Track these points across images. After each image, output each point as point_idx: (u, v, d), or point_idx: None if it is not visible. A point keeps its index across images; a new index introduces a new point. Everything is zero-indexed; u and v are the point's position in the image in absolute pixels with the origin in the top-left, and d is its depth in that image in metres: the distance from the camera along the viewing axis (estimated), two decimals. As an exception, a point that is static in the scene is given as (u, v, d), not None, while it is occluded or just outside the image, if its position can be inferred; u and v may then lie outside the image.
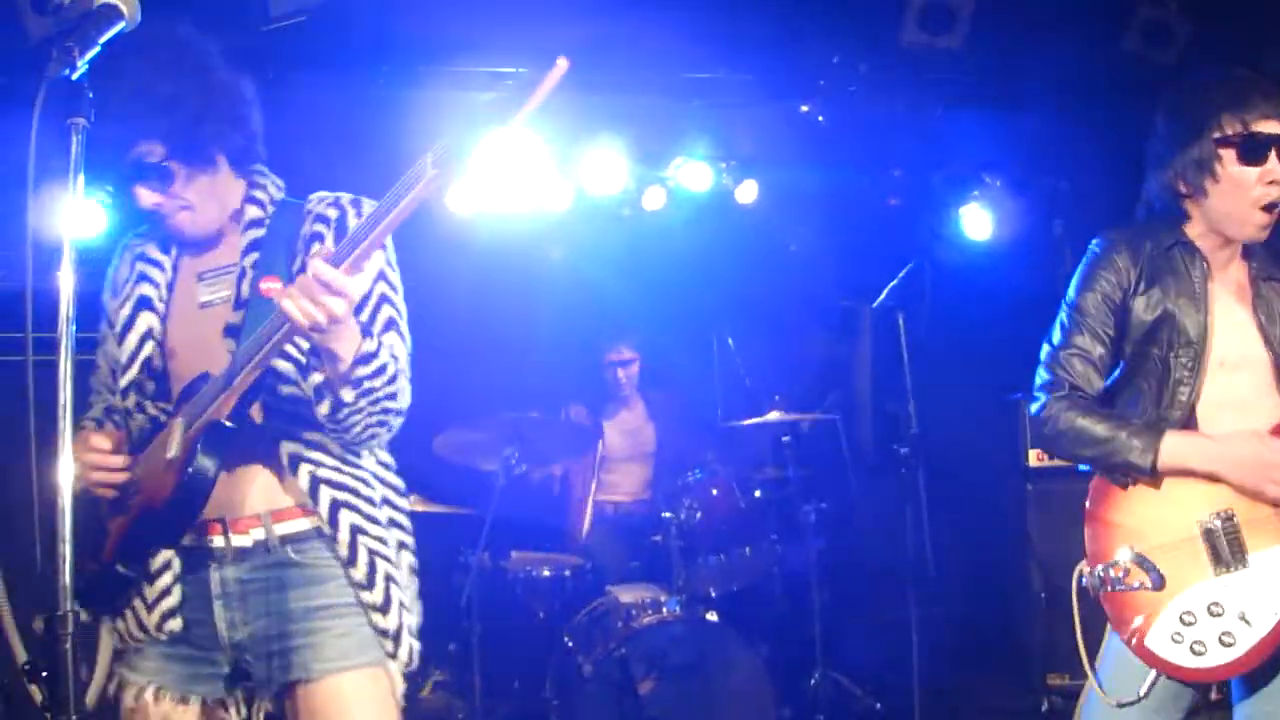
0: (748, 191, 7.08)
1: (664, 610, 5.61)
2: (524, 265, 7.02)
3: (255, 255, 2.69)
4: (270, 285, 2.53)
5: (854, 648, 6.58)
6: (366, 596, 2.61)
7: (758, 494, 6.28)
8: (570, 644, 5.73)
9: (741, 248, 7.55)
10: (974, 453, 6.70)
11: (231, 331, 2.62)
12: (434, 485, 6.09)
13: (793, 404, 6.47)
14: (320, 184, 2.84)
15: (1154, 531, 3.15)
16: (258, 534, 2.61)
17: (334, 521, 2.60)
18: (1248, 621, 3.04)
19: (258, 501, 2.62)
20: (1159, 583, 3.10)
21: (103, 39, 2.06)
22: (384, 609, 2.62)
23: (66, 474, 1.96)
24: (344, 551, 2.60)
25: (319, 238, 2.67)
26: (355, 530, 2.62)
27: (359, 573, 2.61)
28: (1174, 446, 3.10)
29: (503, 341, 7.03)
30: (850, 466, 7.07)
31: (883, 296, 6.61)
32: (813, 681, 6.17)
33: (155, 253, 2.79)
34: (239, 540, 2.60)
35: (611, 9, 5.59)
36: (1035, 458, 6.34)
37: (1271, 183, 3.13)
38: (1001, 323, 6.36)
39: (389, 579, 2.65)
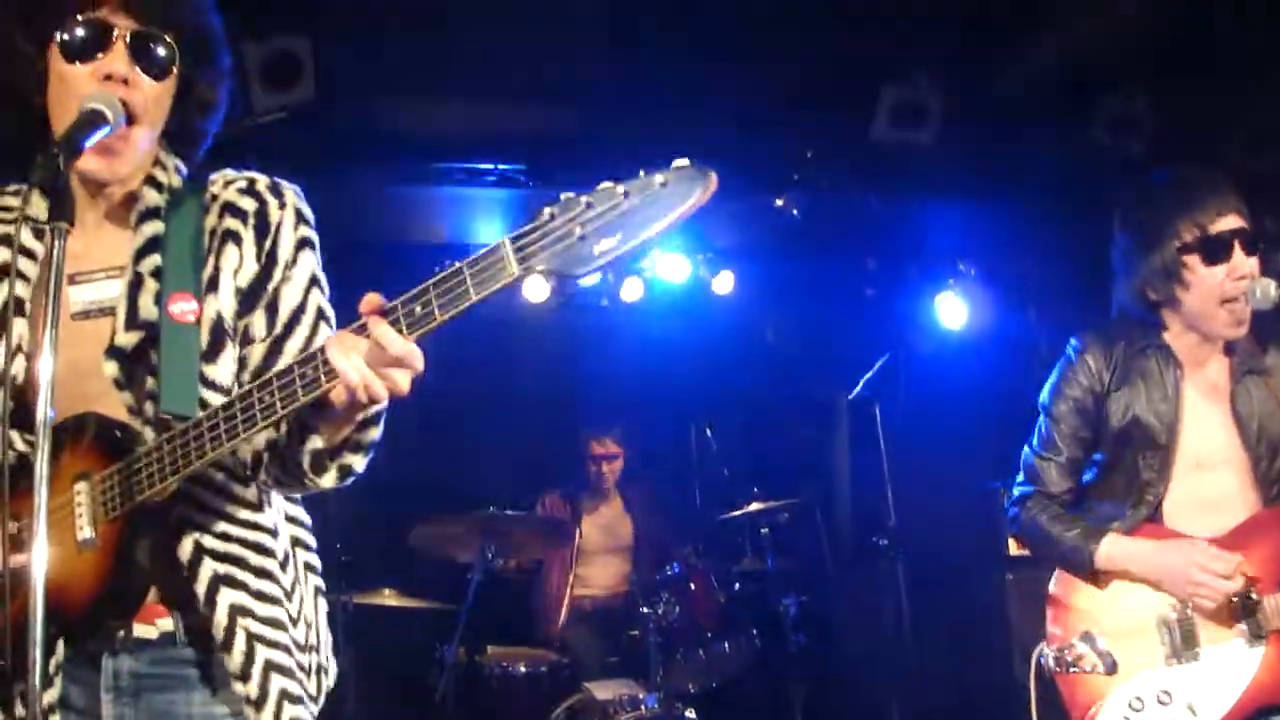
0: (724, 283, 7.13)
1: (642, 707, 5.52)
2: (502, 356, 7.03)
3: (155, 260, 2.20)
4: (184, 308, 2.10)
5: (836, 743, 6.50)
6: (240, 688, 2.17)
7: (736, 587, 6.24)
8: (547, 742, 5.64)
9: (719, 339, 7.59)
10: (953, 542, 6.68)
11: (118, 355, 2.14)
12: (409, 579, 6.03)
13: (771, 495, 6.46)
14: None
15: (1111, 617, 3.21)
16: (165, 625, 2.18)
17: (210, 600, 2.15)
18: (1194, 712, 3.08)
19: (165, 587, 2.18)
20: (1111, 667, 3.16)
21: (89, 144, 1.98)
22: (259, 703, 2.17)
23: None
24: (219, 635, 2.15)
25: (234, 237, 2.24)
26: (235, 611, 2.17)
27: (233, 662, 2.16)
28: (1112, 549, 3.20)
29: (480, 431, 7.02)
30: (829, 558, 7.04)
31: (859, 387, 6.63)
32: (794, 778, 6.08)
33: (28, 238, 2.22)
34: (143, 630, 2.17)
35: (585, 104, 5.68)
36: (1015, 546, 6.31)
37: (1240, 278, 3.18)
38: (978, 411, 6.39)
39: (270, 668, 2.20)
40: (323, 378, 1.92)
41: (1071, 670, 3.19)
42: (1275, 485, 3.24)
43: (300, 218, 2.31)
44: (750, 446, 7.51)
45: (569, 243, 1.75)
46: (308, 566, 2.38)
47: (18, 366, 2.14)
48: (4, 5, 2.17)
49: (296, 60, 5.17)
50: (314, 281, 2.28)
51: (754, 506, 6.35)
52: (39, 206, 2.12)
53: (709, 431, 7.20)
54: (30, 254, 2.22)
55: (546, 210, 1.78)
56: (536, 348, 7.35)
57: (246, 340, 2.24)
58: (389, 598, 5.80)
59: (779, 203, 6.65)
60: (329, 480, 2.16)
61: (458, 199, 6.38)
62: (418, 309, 1.86)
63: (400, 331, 1.86)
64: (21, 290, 2.19)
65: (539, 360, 7.43)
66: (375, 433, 2.13)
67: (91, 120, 2.00)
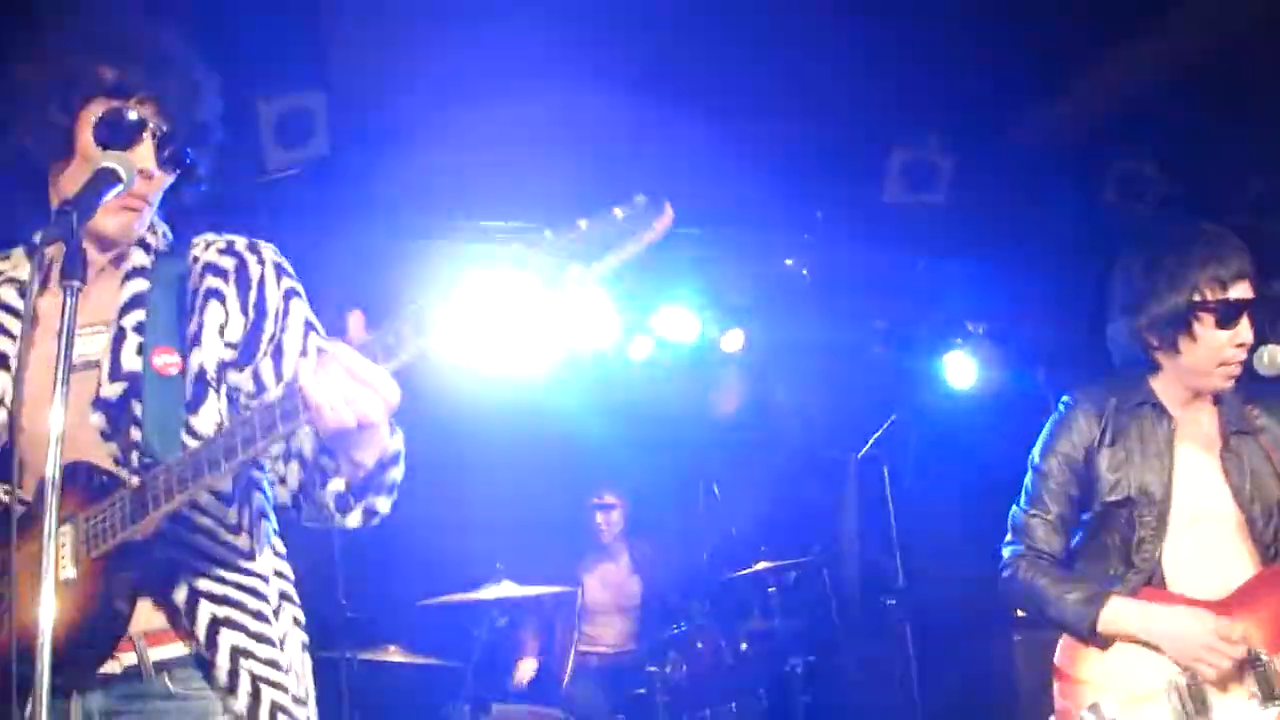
0: (733, 341, 7.14)
1: (649, 767, 5.48)
2: (508, 413, 7.03)
3: (139, 315, 2.30)
4: (166, 361, 2.19)
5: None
6: None
7: (744, 646, 6.20)
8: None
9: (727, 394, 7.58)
10: (961, 603, 6.62)
11: (103, 406, 2.21)
12: (415, 636, 6.00)
13: (779, 554, 6.43)
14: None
15: (1120, 687, 3.16)
16: (129, 659, 2.18)
17: (212, 642, 2.19)
18: None
19: (131, 622, 2.19)
20: None
21: (102, 203, 2.04)
22: None
23: None
24: (223, 679, 2.19)
25: (216, 295, 2.34)
26: (236, 653, 2.21)
27: (239, 703, 2.21)
28: (1115, 613, 3.15)
29: (486, 488, 7.00)
30: (837, 619, 6.99)
31: (868, 446, 6.62)
32: (802, 841, 6.01)
33: (13, 297, 2.34)
34: (108, 666, 2.17)
35: (599, 162, 5.71)
36: (1014, 607, 6.27)
37: (1240, 345, 3.21)
38: (987, 471, 6.35)
39: (277, 709, 2.24)
40: (299, 405, 1.96)
41: None
42: (1273, 545, 3.22)
43: (281, 271, 2.42)
44: (758, 505, 7.48)
45: (537, 272, 1.88)
46: (295, 621, 2.42)
47: (1, 420, 2.22)
48: (40, 75, 2.26)
49: (311, 116, 5.22)
50: (310, 326, 2.38)
51: (761, 566, 6.32)
52: (22, 268, 2.34)
53: (716, 490, 7.18)
54: (14, 311, 2.32)
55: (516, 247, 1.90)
56: (543, 405, 7.34)
57: (260, 388, 2.31)
58: (394, 655, 5.77)
59: (789, 262, 6.68)
60: (355, 520, 2.23)
61: (470, 255, 6.41)
62: (389, 339, 1.93)
63: (375, 360, 1.93)
64: (7, 345, 2.29)
65: (546, 417, 7.42)
66: (396, 473, 2.19)
67: (106, 179, 2.06)
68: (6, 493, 2.20)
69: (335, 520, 2.24)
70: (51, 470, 1.86)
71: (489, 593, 5.73)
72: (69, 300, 1.93)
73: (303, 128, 5.19)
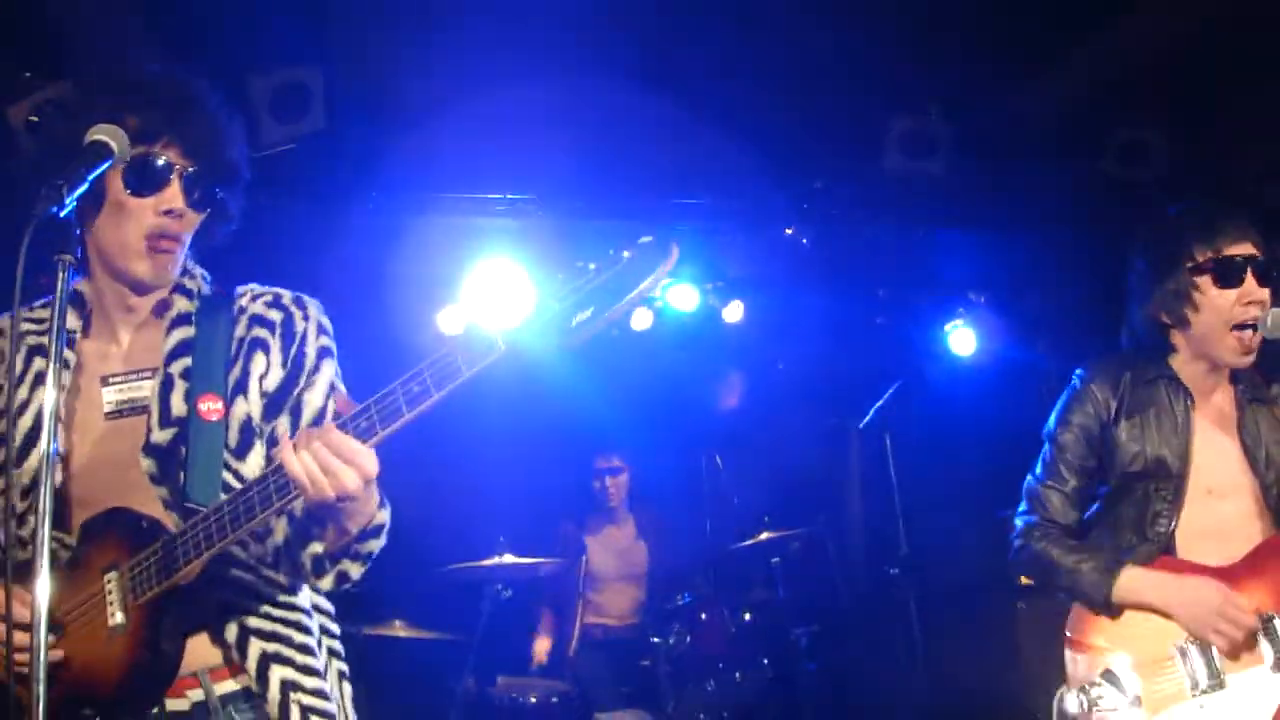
0: (734, 312, 7.13)
1: (654, 737, 5.51)
2: (510, 387, 7.02)
3: (185, 362, 2.36)
4: (210, 407, 2.27)
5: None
6: None
7: (747, 617, 6.22)
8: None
9: (729, 367, 7.58)
10: (964, 572, 6.64)
11: (154, 451, 2.28)
12: (419, 610, 6.01)
13: (782, 524, 6.44)
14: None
15: (1131, 653, 3.17)
16: (196, 695, 2.28)
17: (263, 678, 2.29)
18: None
19: (193, 658, 2.27)
20: (1135, 703, 3.10)
21: (92, 176, 2.05)
22: None
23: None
24: (274, 712, 2.29)
25: (262, 345, 2.42)
26: (286, 686, 2.31)
27: None
28: (1130, 582, 3.16)
29: (490, 462, 7.00)
30: (840, 588, 7.00)
31: (870, 416, 6.62)
32: (807, 810, 6.04)
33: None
34: (175, 704, 2.26)
35: (599, 138, 5.69)
36: (1025, 576, 6.28)
37: (1250, 303, 3.19)
38: (989, 440, 6.36)
39: None
40: (289, 482, 2.06)
41: (1094, 711, 3.14)
42: None
43: (321, 329, 2.49)
44: (761, 475, 7.48)
45: (546, 318, 1.97)
46: (332, 652, 2.52)
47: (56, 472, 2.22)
48: (66, 127, 2.27)
49: (307, 90, 5.20)
50: (333, 388, 2.45)
51: (765, 536, 6.33)
52: (72, 318, 2.38)
53: (719, 461, 7.18)
54: (65, 363, 2.33)
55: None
56: (545, 378, 7.33)
57: (273, 442, 2.37)
58: (399, 629, 5.79)
59: (789, 232, 6.66)
60: (327, 584, 2.32)
61: (466, 228, 6.39)
62: (415, 387, 2.02)
63: (375, 430, 2.02)
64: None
65: (547, 390, 7.41)
66: (375, 544, 2.28)
67: (98, 153, 2.08)
68: (55, 538, 2.23)
69: (309, 580, 2.33)
70: (46, 442, 1.90)
71: (493, 563, 5.75)
72: (62, 275, 1.96)
73: (298, 102, 5.16)
